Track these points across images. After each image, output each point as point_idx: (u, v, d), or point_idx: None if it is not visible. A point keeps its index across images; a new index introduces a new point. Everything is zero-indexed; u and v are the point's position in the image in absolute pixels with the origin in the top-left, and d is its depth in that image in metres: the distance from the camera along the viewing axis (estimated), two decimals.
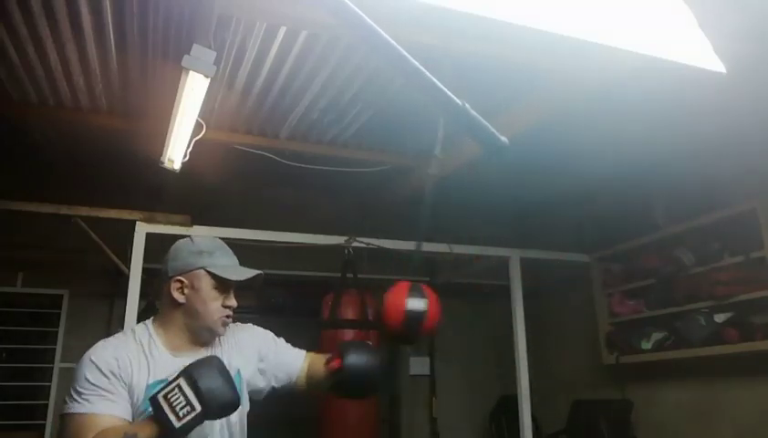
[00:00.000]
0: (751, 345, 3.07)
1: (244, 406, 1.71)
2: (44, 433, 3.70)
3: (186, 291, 1.64)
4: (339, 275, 3.39)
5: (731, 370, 3.28)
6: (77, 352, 4.29)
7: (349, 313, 3.31)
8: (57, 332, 3.88)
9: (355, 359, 1.68)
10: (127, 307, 2.92)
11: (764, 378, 3.13)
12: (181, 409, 1.35)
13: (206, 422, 1.44)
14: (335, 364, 1.70)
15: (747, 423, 3.19)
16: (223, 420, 1.58)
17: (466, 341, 4.80)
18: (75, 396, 1.49)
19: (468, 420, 4.73)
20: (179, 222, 3.14)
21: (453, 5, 1.82)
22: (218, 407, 1.40)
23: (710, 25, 1.91)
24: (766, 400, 3.11)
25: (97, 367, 1.52)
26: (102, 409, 1.47)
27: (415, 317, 1.76)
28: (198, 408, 1.36)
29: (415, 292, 1.79)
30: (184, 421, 1.34)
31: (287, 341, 1.88)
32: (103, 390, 1.49)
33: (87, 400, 1.48)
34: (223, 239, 1.80)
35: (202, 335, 1.68)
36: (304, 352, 1.87)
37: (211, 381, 1.38)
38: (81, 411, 1.47)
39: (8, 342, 3.85)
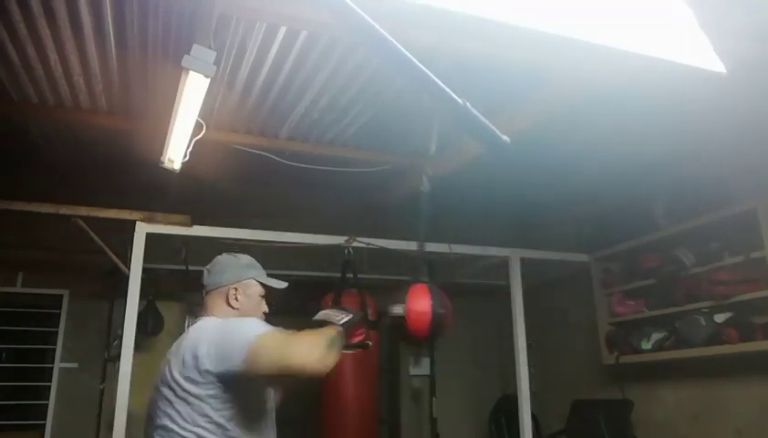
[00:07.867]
0: (751, 345, 3.07)
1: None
2: (44, 433, 3.70)
3: (239, 298, 1.90)
4: (339, 275, 3.38)
5: (731, 370, 3.28)
6: (77, 352, 4.28)
7: None
8: (56, 332, 3.87)
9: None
10: (127, 307, 2.92)
11: (764, 378, 3.13)
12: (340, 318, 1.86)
13: (268, 409, 1.85)
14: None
15: (747, 423, 3.19)
16: (273, 408, 1.92)
17: (466, 341, 4.80)
18: (254, 330, 1.68)
19: (468, 420, 4.73)
20: (179, 222, 3.13)
21: (454, 6, 1.83)
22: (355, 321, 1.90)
23: (710, 25, 1.91)
24: (766, 399, 3.12)
25: None
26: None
27: (397, 321, 2.12)
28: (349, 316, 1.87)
29: (398, 297, 2.10)
30: (343, 320, 1.84)
31: None
32: None
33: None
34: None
35: None
36: None
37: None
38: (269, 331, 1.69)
39: (8, 342, 3.84)
